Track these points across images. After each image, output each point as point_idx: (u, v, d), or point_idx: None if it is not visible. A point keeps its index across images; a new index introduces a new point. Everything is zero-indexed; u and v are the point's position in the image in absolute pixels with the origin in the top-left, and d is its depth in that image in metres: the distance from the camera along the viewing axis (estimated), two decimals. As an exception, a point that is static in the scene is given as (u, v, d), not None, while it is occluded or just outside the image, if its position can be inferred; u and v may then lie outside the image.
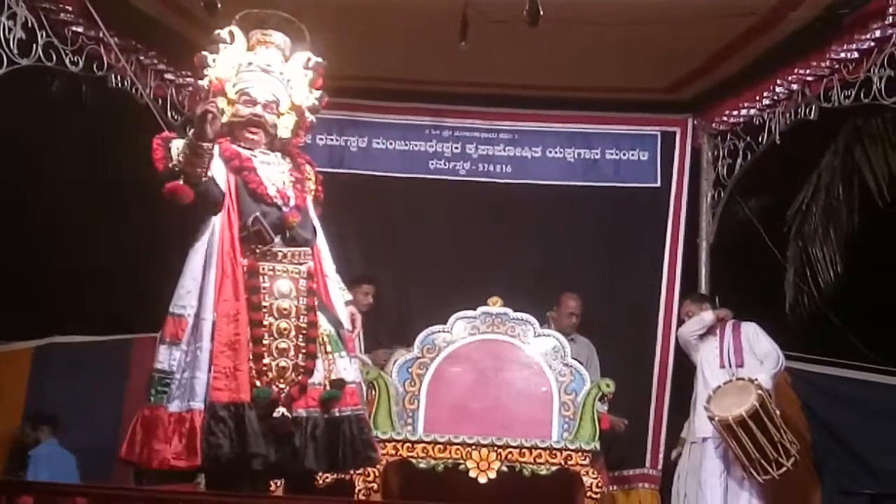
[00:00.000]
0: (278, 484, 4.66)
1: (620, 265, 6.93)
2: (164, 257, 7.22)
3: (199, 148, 3.77)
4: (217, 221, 3.92)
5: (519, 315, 5.72)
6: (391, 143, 7.03)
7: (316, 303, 4.01)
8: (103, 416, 6.04)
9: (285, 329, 3.92)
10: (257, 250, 3.94)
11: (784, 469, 5.45)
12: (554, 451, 5.35)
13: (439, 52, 5.84)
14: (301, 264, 4.02)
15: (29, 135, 7.16)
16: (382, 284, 6.35)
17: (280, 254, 3.98)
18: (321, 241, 4.15)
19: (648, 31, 5.89)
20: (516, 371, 5.64)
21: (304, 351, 3.94)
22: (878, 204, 7.15)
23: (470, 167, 7.08)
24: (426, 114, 7.07)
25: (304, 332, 3.95)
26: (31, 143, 7.25)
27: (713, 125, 6.90)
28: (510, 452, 5.34)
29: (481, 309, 5.75)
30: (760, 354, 5.83)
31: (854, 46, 5.57)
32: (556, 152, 7.08)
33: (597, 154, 7.09)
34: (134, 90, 5.83)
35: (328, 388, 3.94)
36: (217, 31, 4.06)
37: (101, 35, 5.44)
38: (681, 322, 6.27)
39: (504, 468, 5.33)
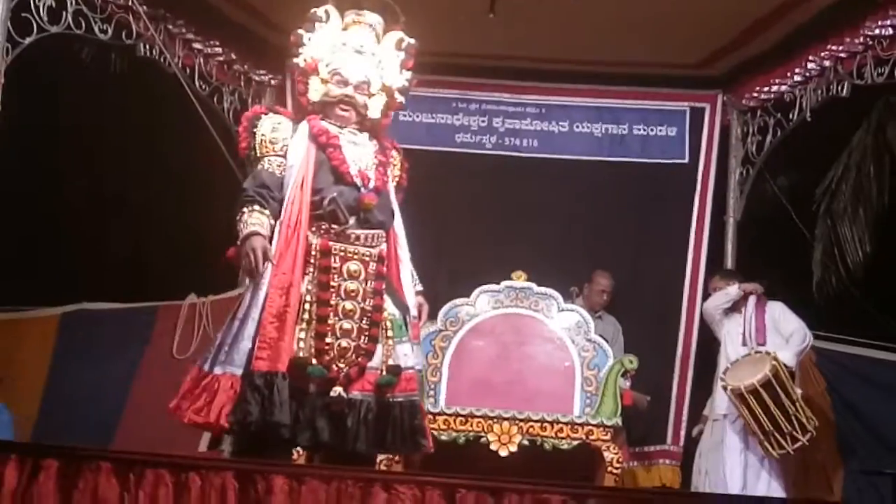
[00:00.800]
0: (300, 452, 4.71)
1: (646, 241, 6.89)
2: (192, 225, 7.30)
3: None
4: (287, 195, 3.96)
5: (543, 290, 5.72)
6: (417, 116, 6.99)
7: (384, 287, 4.04)
8: (119, 381, 6.10)
9: (350, 310, 3.95)
10: (331, 230, 3.97)
11: (799, 444, 5.41)
12: (575, 426, 5.36)
13: (467, 24, 5.81)
14: (373, 247, 4.04)
15: (58, 102, 7.20)
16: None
17: (353, 235, 4.00)
18: (399, 226, 4.19)
19: (679, 5, 5.84)
20: (539, 345, 5.65)
21: (366, 333, 3.98)
22: (910, 183, 7.07)
23: (496, 141, 7.05)
24: (453, 87, 7.03)
25: (369, 315, 3.99)
26: (59, 111, 7.29)
27: (743, 101, 6.82)
28: (531, 426, 5.36)
29: (505, 283, 5.75)
30: (786, 333, 5.78)
31: (889, 23, 5.49)
32: (583, 127, 7.04)
33: (624, 129, 7.04)
34: (162, 59, 5.85)
35: (384, 373, 3.97)
36: (313, 10, 4.12)
37: (129, 3, 5.46)
38: (707, 297, 6.24)
39: (525, 442, 5.35)
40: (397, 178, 4.29)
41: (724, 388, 5.55)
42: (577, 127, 7.05)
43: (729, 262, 6.77)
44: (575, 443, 5.34)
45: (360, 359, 3.95)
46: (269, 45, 6.72)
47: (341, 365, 3.92)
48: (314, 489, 3.32)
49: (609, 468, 5.31)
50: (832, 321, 6.45)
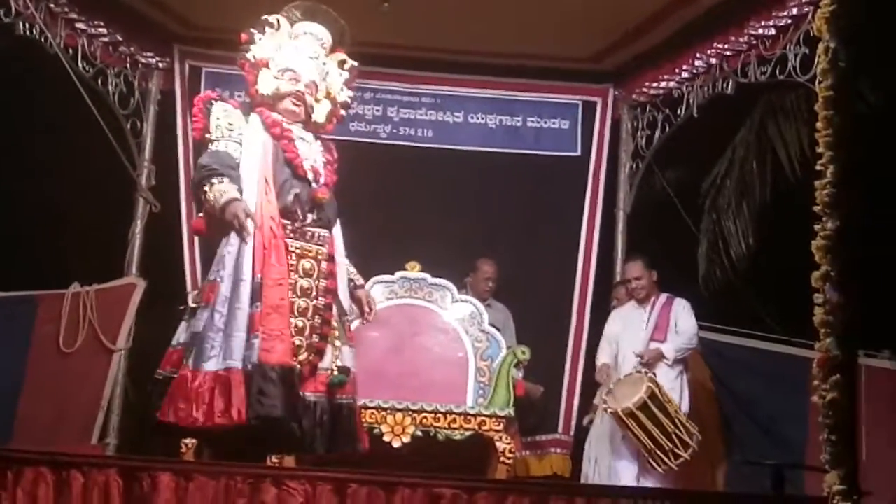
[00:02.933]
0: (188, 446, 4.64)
1: (539, 233, 6.97)
2: (73, 214, 7.03)
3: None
4: (255, 187, 3.95)
5: (437, 280, 5.74)
6: (311, 104, 6.89)
7: (335, 286, 4.07)
8: (6, 374, 5.83)
9: (304, 308, 3.97)
10: (288, 227, 3.99)
11: (681, 459, 5.48)
12: (468, 417, 5.39)
13: (362, 12, 5.75)
14: (323, 245, 4.09)
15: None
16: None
17: (309, 233, 4.06)
18: (337, 230, 4.22)
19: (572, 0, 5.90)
20: (433, 336, 5.67)
21: (318, 332, 3.99)
22: (790, 179, 7.30)
23: (391, 130, 7.02)
24: (348, 75, 6.95)
25: (321, 313, 4.01)
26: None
27: (633, 96, 6.95)
28: (425, 417, 5.36)
29: (399, 273, 5.75)
30: (680, 331, 5.90)
31: (772, 23, 5.66)
32: (477, 118, 7.07)
33: (518, 121, 7.10)
34: (43, 39, 5.62)
35: (335, 373, 3.99)
36: (265, 17, 4.19)
37: (7, -21, 5.24)
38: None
39: (418, 433, 5.35)
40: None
41: (606, 411, 5.64)
42: (472, 118, 7.08)
43: (619, 255, 6.89)
44: (468, 433, 5.37)
45: (311, 357, 3.96)
46: (157, 26, 6.55)
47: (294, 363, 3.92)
48: (202, 486, 3.26)
49: (501, 458, 5.36)
50: (717, 313, 6.61)
